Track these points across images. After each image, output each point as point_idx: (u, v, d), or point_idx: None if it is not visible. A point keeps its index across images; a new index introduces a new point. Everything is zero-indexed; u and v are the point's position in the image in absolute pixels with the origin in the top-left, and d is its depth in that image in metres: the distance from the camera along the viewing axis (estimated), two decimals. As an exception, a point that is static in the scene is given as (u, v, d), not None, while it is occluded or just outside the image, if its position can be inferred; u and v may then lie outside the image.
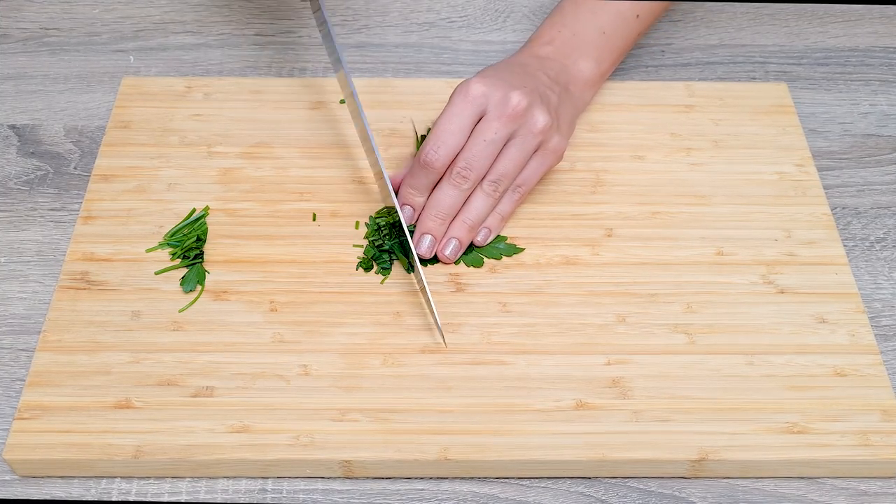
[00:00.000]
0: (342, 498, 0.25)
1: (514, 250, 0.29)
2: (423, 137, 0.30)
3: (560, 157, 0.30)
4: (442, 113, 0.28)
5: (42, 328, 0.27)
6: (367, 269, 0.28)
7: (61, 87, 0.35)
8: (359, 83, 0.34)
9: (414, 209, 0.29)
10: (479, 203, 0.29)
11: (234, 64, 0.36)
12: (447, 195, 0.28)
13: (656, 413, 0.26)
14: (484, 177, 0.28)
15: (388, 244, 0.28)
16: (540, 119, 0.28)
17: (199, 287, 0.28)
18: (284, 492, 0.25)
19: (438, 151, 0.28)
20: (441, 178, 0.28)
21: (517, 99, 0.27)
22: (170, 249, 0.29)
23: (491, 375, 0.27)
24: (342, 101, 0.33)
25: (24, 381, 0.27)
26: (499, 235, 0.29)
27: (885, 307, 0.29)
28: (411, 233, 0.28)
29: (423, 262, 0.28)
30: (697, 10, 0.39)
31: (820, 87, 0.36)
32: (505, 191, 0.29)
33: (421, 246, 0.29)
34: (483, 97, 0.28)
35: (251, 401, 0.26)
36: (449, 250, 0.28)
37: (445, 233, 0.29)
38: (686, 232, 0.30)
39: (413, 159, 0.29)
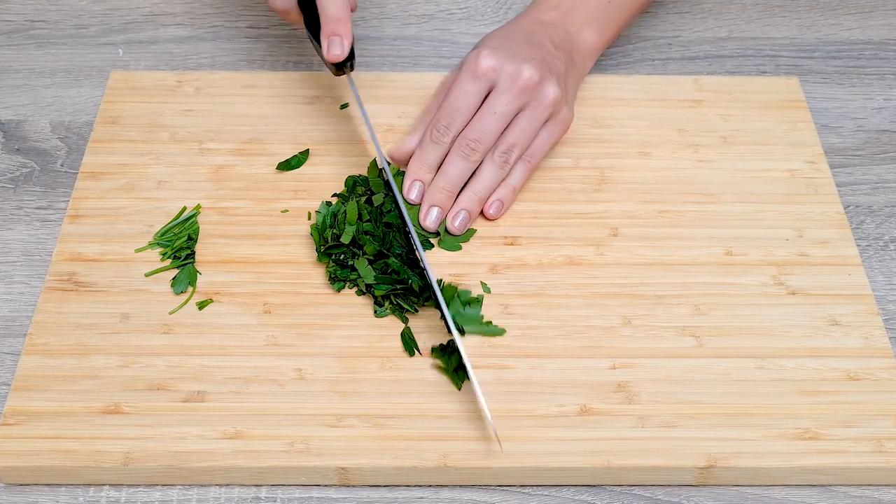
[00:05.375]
0: (338, 506, 0.24)
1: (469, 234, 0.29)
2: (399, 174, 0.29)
3: (567, 128, 0.30)
4: (451, 86, 0.28)
5: (28, 331, 0.27)
6: (340, 288, 0.27)
7: (48, 81, 0.35)
8: (356, 78, 0.33)
9: (424, 185, 0.29)
10: (488, 174, 0.29)
11: (226, 57, 0.36)
12: (456, 167, 0.28)
13: (663, 418, 0.25)
14: (492, 148, 0.28)
15: (386, 287, 0.27)
16: (551, 91, 0.28)
17: (190, 288, 0.28)
18: (279, 500, 0.25)
19: (450, 128, 0.28)
20: (449, 150, 0.28)
21: (528, 72, 0.28)
22: (160, 249, 0.29)
23: (492, 380, 0.26)
24: (343, 106, 0.32)
25: (10, 385, 0.26)
26: (470, 229, 0.29)
27: (900, 309, 0.29)
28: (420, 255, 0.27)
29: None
30: (706, 2, 0.38)
31: (832, 81, 0.35)
32: (515, 162, 0.29)
33: (428, 218, 0.28)
34: (493, 72, 0.28)
35: (244, 406, 0.25)
36: (458, 222, 0.29)
37: (454, 205, 0.28)
38: (694, 231, 0.30)
39: (423, 135, 0.29)
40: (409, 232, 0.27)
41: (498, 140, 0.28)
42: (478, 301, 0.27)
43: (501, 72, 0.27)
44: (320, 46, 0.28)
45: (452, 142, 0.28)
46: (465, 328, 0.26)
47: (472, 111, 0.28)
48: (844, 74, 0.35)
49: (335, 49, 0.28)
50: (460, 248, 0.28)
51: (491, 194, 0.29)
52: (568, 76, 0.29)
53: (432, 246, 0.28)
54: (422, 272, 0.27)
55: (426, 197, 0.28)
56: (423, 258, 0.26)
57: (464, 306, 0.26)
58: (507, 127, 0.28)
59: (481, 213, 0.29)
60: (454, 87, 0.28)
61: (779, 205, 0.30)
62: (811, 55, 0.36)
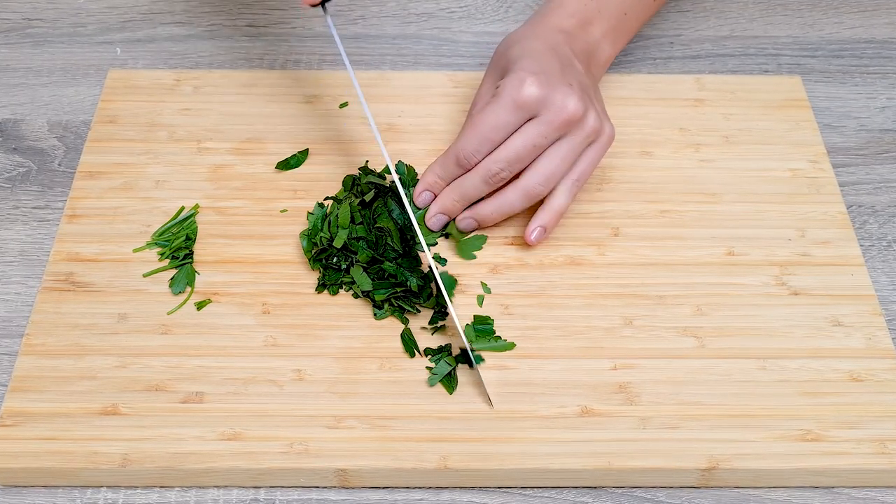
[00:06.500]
0: (337, 509, 0.24)
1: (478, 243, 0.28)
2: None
3: (611, 144, 0.28)
4: (487, 111, 0.27)
5: (25, 331, 0.27)
6: (335, 292, 0.27)
7: (45, 80, 0.34)
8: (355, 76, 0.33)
9: (435, 195, 0.28)
10: (514, 201, 0.28)
11: (224, 56, 0.35)
12: (475, 187, 0.27)
13: (664, 420, 0.25)
14: (525, 174, 0.27)
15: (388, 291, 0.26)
16: (591, 122, 0.27)
17: (188, 289, 0.27)
18: (277, 501, 0.24)
19: (478, 154, 0.27)
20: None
21: (574, 104, 0.26)
22: (158, 249, 0.29)
23: (493, 381, 0.26)
24: (342, 105, 0.32)
25: (7, 386, 0.26)
26: (480, 236, 0.28)
27: (903, 309, 0.29)
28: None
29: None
30: (707, 1, 0.38)
31: (835, 80, 0.35)
32: (549, 192, 0.28)
33: (432, 222, 0.28)
34: (536, 103, 0.26)
35: (243, 407, 0.25)
36: (463, 224, 0.28)
37: (467, 209, 0.28)
38: (695, 231, 0.29)
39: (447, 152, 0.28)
40: (421, 242, 0.27)
41: (536, 168, 0.27)
42: (489, 320, 0.26)
43: (546, 103, 0.26)
44: None
45: None
46: (475, 345, 0.26)
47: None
48: (847, 73, 0.35)
49: None
50: (474, 257, 0.28)
51: (508, 215, 0.28)
52: (596, 93, 0.29)
53: (436, 243, 0.28)
54: (421, 273, 0.27)
55: (437, 200, 0.28)
56: (434, 267, 0.26)
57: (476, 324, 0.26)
58: (543, 154, 0.26)
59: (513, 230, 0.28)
60: (491, 112, 0.26)
61: (781, 205, 0.30)
62: (814, 54, 0.36)
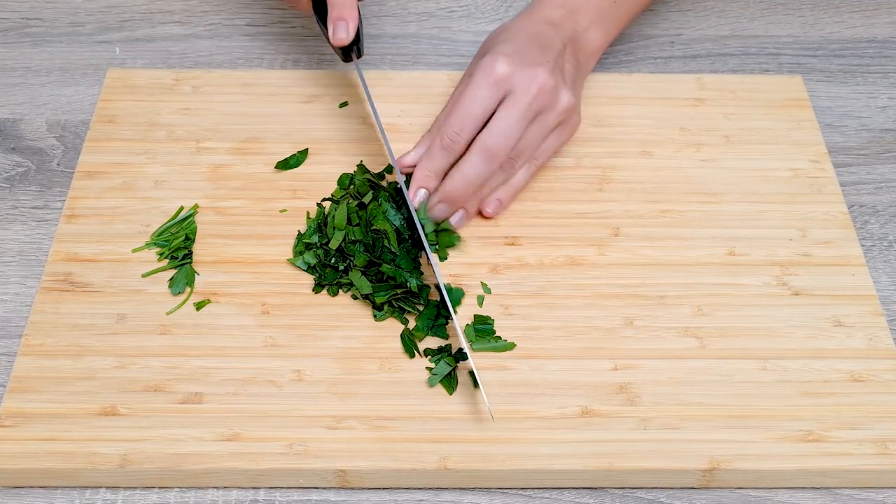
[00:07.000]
0: (337, 509, 0.24)
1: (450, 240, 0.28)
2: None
3: (574, 132, 0.30)
4: (464, 91, 0.28)
5: (24, 331, 0.27)
6: (334, 293, 0.27)
7: (44, 79, 0.34)
8: (354, 76, 0.33)
9: (429, 192, 0.28)
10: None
11: (224, 56, 0.35)
12: (476, 168, 0.28)
13: (665, 420, 0.25)
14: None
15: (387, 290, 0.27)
16: (564, 99, 0.28)
17: (188, 289, 0.27)
18: (277, 502, 0.24)
19: (462, 134, 0.28)
20: (466, 151, 0.28)
21: (544, 78, 0.27)
22: (157, 249, 0.29)
23: (493, 381, 0.26)
24: (342, 105, 0.32)
25: (5, 387, 0.26)
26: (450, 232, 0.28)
27: (904, 309, 0.29)
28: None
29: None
30: (708, 0, 0.37)
31: (836, 79, 0.35)
32: (520, 167, 0.28)
33: (436, 212, 0.28)
34: (508, 78, 0.27)
35: (242, 407, 0.25)
36: (456, 220, 0.29)
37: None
38: (696, 231, 0.29)
39: (430, 140, 0.28)
40: (424, 246, 0.27)
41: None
42: (489, 320, 0.26)
43: (518, 78, 0.27)
44: (328, 32, 0.28)
45: (465, 148, 0.28)
46: (475, 345, 0.26)
47: (486, 118, 0.27)
48: (848, 73, 0.35)
49: (340, 33, 0.28)
50: (447, 255, 0.28)
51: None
52: (576, 78, 0.29)
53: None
54: (420, 274, 0.27)
55: (439, 193, 0.28)
56: (437, 270, 0.26)
57: (477, 324, 0.26)
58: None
59: (478, 210, 0.29)
60: (467, 92, 0.27)
61: (782, 204, 0.30)
62: (815, 53, 0.36)
